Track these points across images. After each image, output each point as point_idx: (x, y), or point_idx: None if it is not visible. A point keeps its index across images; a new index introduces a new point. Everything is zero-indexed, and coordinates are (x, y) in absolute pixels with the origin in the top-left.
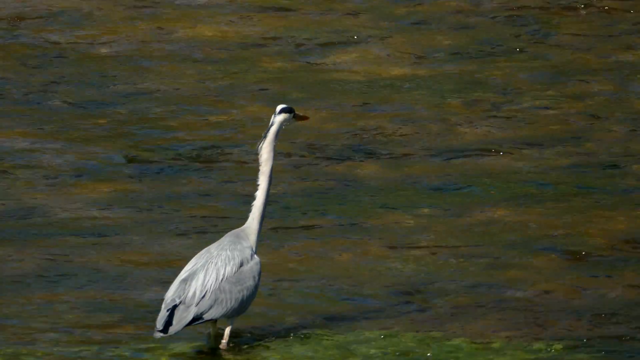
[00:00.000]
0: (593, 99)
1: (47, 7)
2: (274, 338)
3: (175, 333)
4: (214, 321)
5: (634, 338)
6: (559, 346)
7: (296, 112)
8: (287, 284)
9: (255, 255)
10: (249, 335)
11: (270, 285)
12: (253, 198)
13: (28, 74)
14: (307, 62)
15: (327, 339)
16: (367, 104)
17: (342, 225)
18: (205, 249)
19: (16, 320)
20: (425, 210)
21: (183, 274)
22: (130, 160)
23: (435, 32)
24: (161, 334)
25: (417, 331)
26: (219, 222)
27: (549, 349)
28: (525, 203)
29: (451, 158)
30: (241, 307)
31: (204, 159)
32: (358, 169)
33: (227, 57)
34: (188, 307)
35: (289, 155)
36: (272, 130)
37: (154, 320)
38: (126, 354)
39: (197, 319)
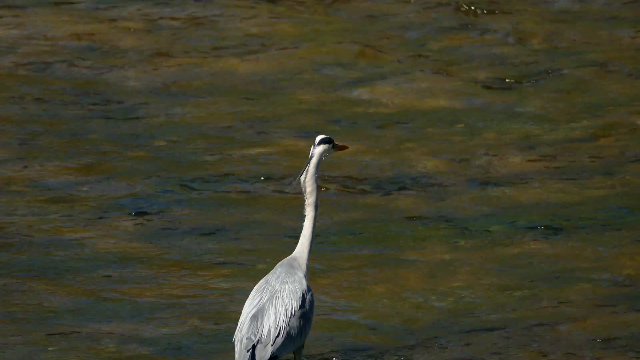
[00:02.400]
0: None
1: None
2: None
3: None
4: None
5: None
6: None
7: (335, 143)
8: (320, 315)
9: (308, 285)
10: None
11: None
12: (296, 229)
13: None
14: (343, 95)
15: None
16: (401, 135)
17: (379, 258)
18: (263, 279)
19: (55, 349)
20: (462, 243)
21: (251, 310)
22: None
23: (470, 65)
24: None
25: None
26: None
27: None
28: (559, 235)
29: (486, 189)
30: (302, 339)
31: (243, 191)
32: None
33: (262, 90)
34: (265, 346)
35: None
36: (313, 162)
37: (188, 353)
38: None
39: (273, 357)
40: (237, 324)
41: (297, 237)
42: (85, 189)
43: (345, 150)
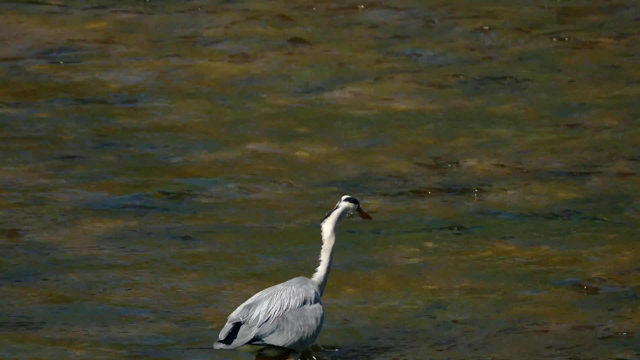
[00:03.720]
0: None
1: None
2: None
3: (235, 348)
4: (277, 354)
5: None
6: None
7: (360, 206)
8: None
9: (320, 301)
10: None
11: None
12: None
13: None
14: (312, 98)
15: None
16: (372, 138)
17: (348, 260)
18: (272, 286)
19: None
20: (431, 245)
21: (247, 302)
22: (134, 195)
23: (442, 66)
24: (222, 345)
25: None
26: (223, 259)
27: None
28: (533, 236)
29: (456, 193)
30: (300, 343)
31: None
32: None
33: (234, 93)
34: (250, 327)
35: (290, 185)
36: (336, 212)
37: (158, 355)
38: None
39: (257, 339)
40: (207, 325)
41: (266, 238)
42: (55, 190)
43: (318, 153)
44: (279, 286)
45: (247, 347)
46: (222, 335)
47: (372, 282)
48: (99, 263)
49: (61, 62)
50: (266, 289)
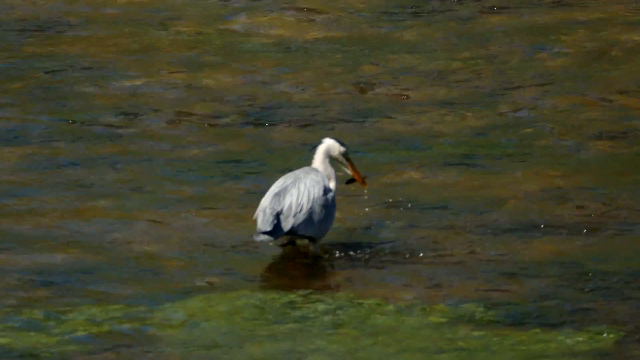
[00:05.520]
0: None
1: None
2: None
3: (278, 238)
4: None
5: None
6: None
7: (347, 150)
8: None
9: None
10: None
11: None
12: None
13: None
14: (221, 26)
15: None
16: (279, 67)
17: (258, 188)
18: (291, 172)
19: None
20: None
21: (274, 189)
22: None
23: None
24: (265, 237)
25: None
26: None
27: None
28: (439, 166)
29: (363, 121)
30: (323, 230)
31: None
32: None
33: (140, 21)
34: (287, 217)
35: (202, 116)
36: (319, 151)
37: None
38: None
39: (292, 231)
40: (121, 253)
41: (176, 164)
42: None
43: (223, 83)
44: (299, 172)
45: (279, 240)
46: (265, 225)
47: None
48: (6, 190)
49: None
50: (286, 175)
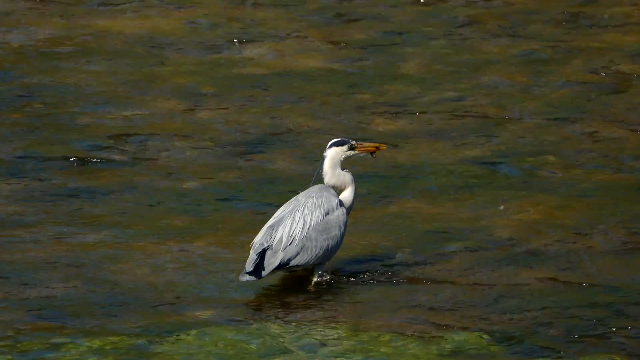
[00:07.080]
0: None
1: None
2: None
3: (263, 277)
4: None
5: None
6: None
7: (354, 143)
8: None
9: (340, 206)
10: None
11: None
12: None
13: None
14: (220, 57)
15: None
16: (279, 96)
17: (259, 216)
18: (294, 197)
19: None
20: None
21: (271, 221)
22: (46, 157)
23: (350, 25)
24: (249, 277)
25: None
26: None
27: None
28: (439, 194)
29: None
30: (325, 256)
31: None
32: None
33: (139, 53)
34: (275, 252)
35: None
36: (323, 165)
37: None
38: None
39: (283, 265)
40: (118, 285)
41: (174, 194)
42: None
43: (221, 112)
44: (300, 197)
45: (272, 275)
46: (249, 266)
47: None
48: (5, 221)
49: None
50: (288, 202)
